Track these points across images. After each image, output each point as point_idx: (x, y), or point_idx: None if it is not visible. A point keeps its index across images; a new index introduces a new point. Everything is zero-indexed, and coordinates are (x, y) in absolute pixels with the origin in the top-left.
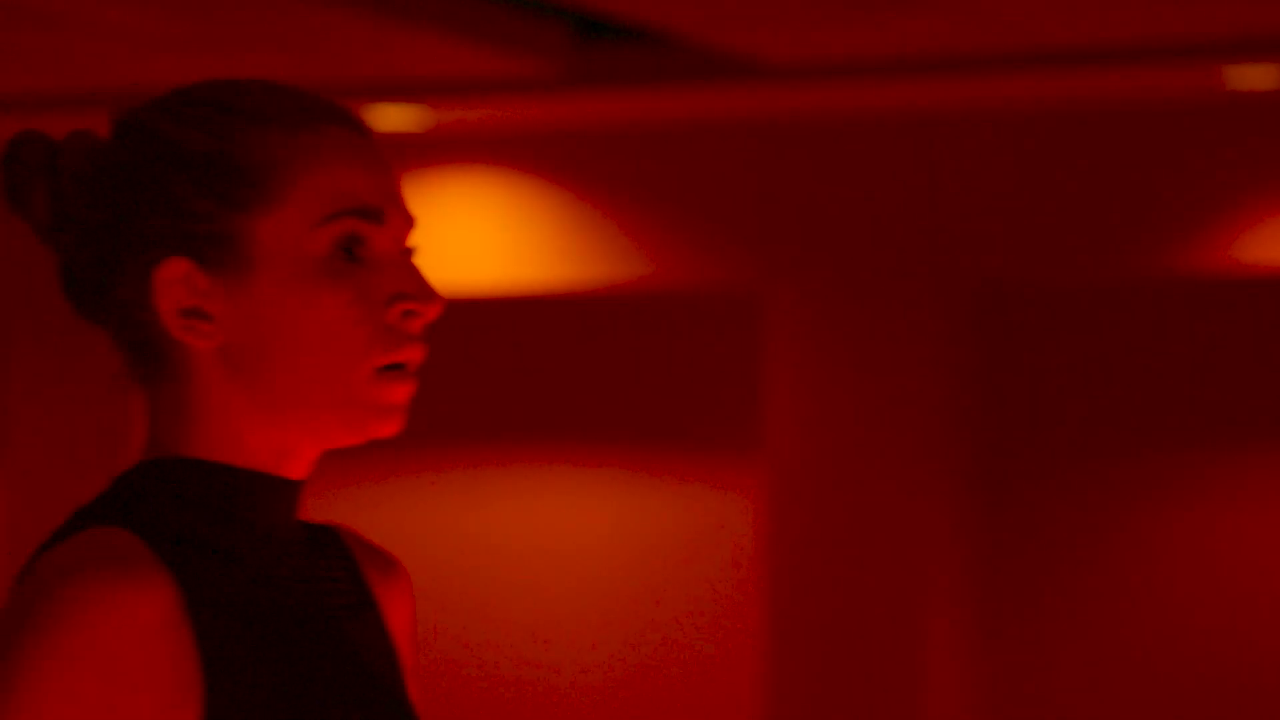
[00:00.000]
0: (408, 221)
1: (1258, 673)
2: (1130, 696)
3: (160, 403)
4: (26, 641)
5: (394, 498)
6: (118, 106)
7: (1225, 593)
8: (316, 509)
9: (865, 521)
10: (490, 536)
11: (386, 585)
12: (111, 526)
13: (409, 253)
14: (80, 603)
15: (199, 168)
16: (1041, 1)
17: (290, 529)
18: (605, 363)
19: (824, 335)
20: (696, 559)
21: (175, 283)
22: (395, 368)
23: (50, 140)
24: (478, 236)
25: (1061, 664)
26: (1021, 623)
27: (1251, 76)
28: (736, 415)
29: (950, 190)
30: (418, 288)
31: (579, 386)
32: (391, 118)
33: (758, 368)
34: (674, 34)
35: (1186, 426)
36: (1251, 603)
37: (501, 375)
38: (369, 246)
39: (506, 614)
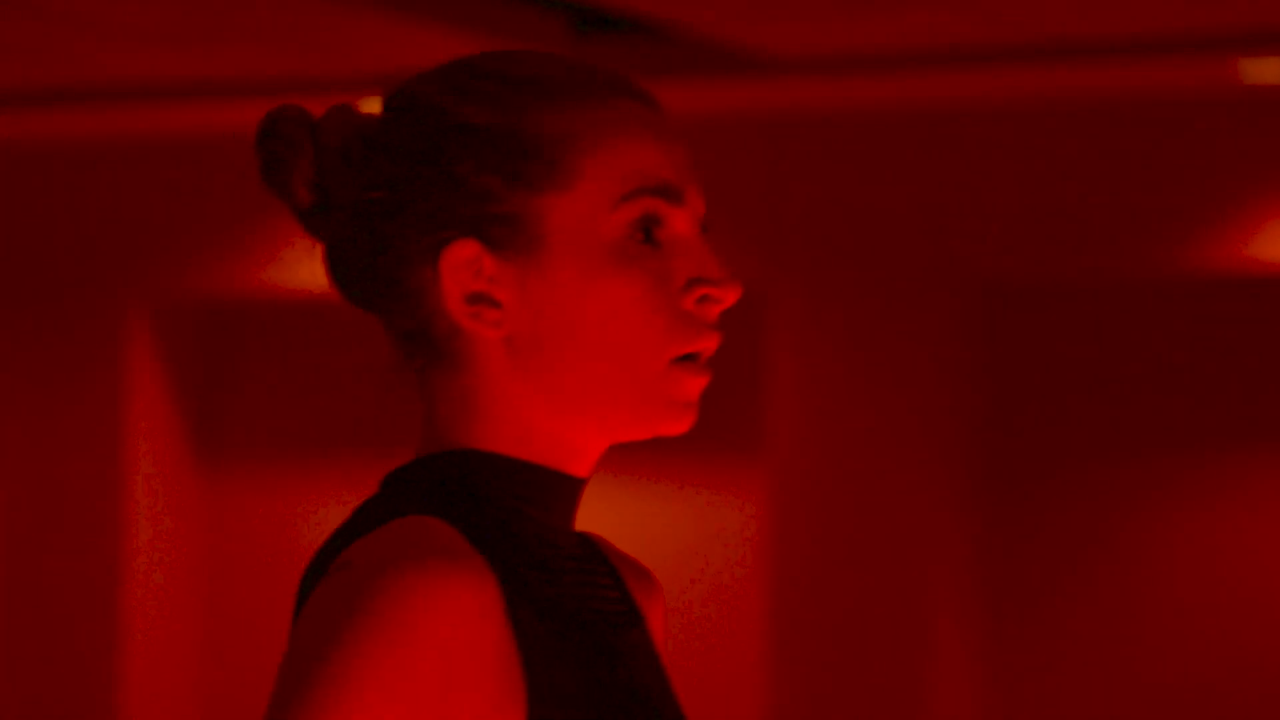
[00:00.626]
0: (703, 200)
1: (1267, 674)
2: (1138, 698)
3: (440, 394)
4: (360, 634)
5: None
6: (105, 102)
7: (1234, 594)
8: (324, 520)
9: (869, 524)
10: None
11: (644, 597)
12: (425, 516)
13: (704, 234)
14: (414, 593)
15: (487, 145)
16: None
17: (569, 531)
18: None
19: (827, 334)
20: (698, 563)
21: (463, 266)
22: (690, 358)
23: (309, 115)
24: None
25: (1069, 667)
26: (1028, 625)
27: (1266, 70)
28: (738, 416)
29: (957, 186)
30: (717, 272)
31: None
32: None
33: (760, 368)
34: (674, 26)
35: (1196, 427)
36: (1260, 604)
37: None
38: (667, 228)
39: None
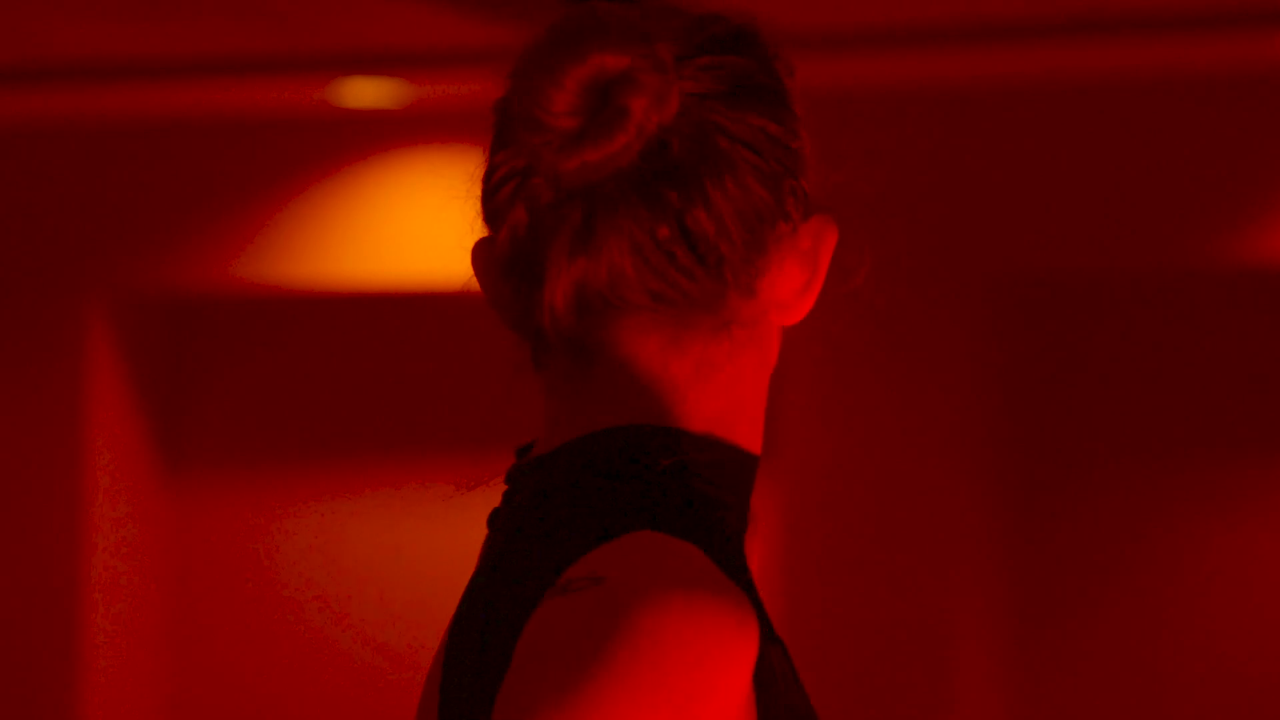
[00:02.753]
0: None
1: None
2: (1170, 710)
3: (634, 364)
4: (642, 668)
5: (386, 509)
6: (61, 81)
7: (1269, 599)
8: (310, 528)
9: (887, 532)
10: None
11: None
12: (672, 537)
13: None
14: (706, 635)
15: (798, 119)
16: None
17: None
18: None
19: (841, 331)
20: None
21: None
22: None
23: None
24: (459, 221)
25: (1095, 676)
26: (1053, 633)
27: None
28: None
29: (978, 172)
30: None
31: None
32: (364, 93)
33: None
34: (675, 1)
35: (1232, 425)
36: None
37: (488, 378)
38: None
39: None
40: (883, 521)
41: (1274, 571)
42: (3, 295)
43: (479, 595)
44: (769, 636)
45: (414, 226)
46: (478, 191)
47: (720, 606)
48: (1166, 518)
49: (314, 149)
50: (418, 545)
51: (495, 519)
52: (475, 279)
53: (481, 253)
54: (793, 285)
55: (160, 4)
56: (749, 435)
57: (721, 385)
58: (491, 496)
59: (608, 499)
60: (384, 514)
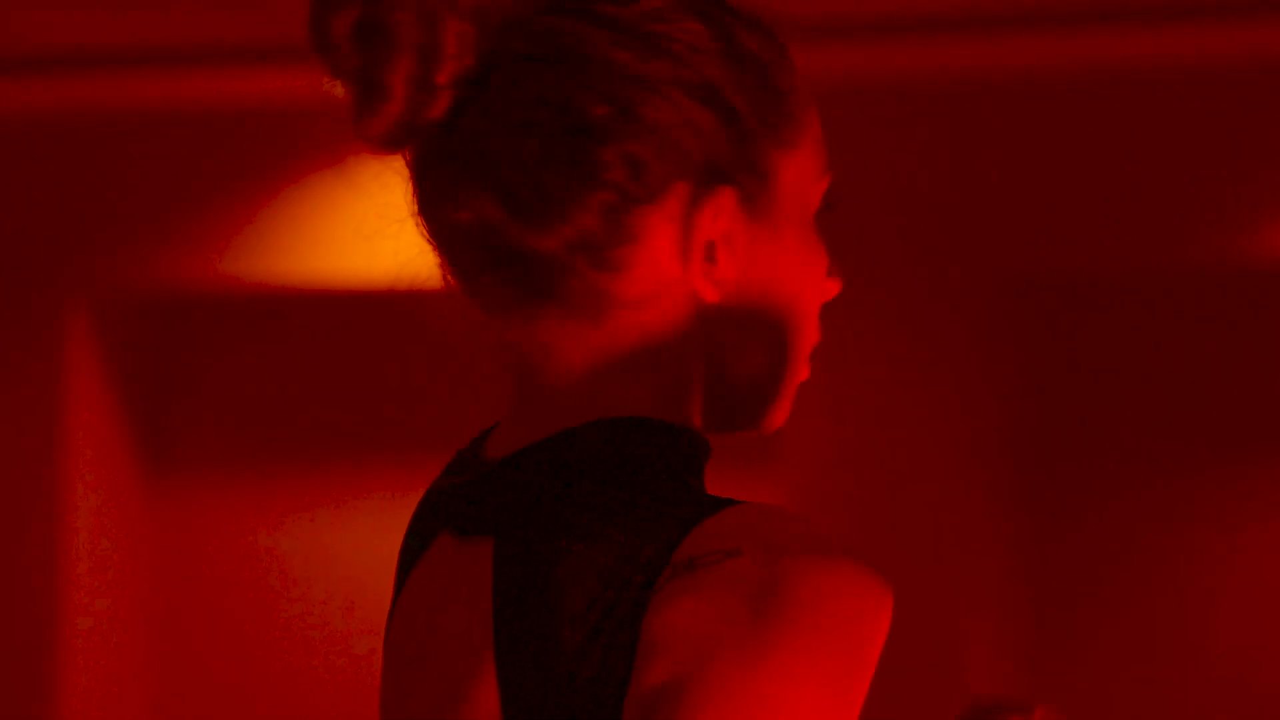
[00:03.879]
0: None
1: None
2: (1182, 707)
3: (597, 353)
4: (816, 632)
5: (380, 516)
6: (37, 72)
7: None
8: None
9: (894, 528)
10: None
11: None
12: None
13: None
14: (863, 589)
15: (757, 82)
16: None
17: None
18: None
19: (847, 330)
20: None
21: (721, 215)
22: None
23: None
24: None
25: (1108, 675)
26: (1067, 636)
27: None
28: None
29: (984, 168)
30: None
31: None
32: None
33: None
34: None
35: (1245, 426)
36: None
37: (486, 380)
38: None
39: None
40: (892, 522)
41: None
42: None
43: (510, 589)
44: None
45: (410, 221)
46: None
47: (857, 562)
48: (1182, 517)
49: (305, 140)
50: None
51: (468, 510)
52: None
53: None
54: (669, 257)
55: None
56: (697, 417)
57: (650, 368)
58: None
59: (661, 487)
60: (377, 520)
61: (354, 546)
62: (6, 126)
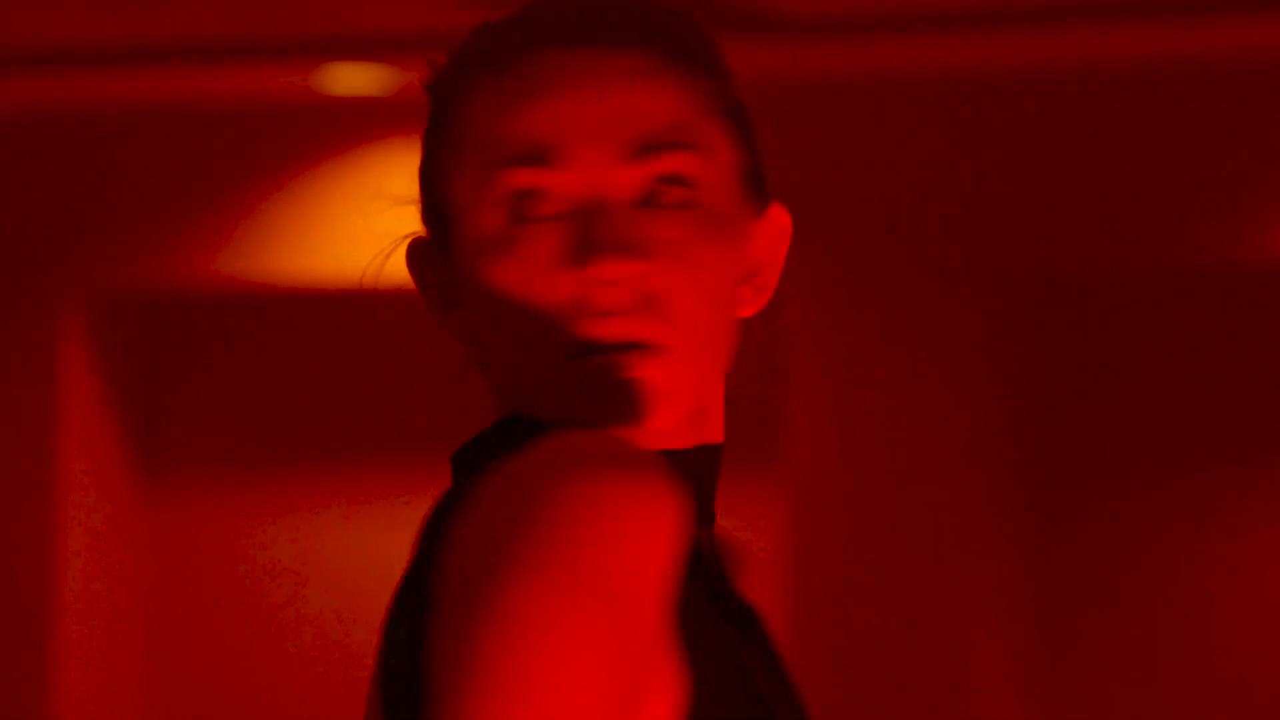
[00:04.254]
0: (606, 150)
1: None
2: (1188, 708)
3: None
4: (558, 544)
5: (374, 517)
6: (33, 68)
7: None
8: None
9: (898, 530)
10: None
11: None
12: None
13: (602, 200)
14: (627, 500)
15: (432, 118)
16: None
17: None
18: None
19: (851, 330)
20: None
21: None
22: (596, 349)
23: None
24: None
25: (1114, 677)
26: (1072, 643)
27: None
28: (752, 427)
29: (989, 163)
30: (598, 243)
31: None
32: (350, 79)
33: (775, 368)
34: None
35: (1251, 425)
36: None
37: (482, 381)
38: (548, 199)
39: None
40: (896, 523)
41: None
42: None
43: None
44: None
45: (404, 220)
46: None
47: (636, 473)
48: (1187, 518)
49: (298, 138)
50: (404, 555)
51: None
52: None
53: None
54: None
55: None
56: (542, 412)
57: (495, 368)
58: None
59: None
60: (372, 521)
61: (348, 547)
62: (0, 124)
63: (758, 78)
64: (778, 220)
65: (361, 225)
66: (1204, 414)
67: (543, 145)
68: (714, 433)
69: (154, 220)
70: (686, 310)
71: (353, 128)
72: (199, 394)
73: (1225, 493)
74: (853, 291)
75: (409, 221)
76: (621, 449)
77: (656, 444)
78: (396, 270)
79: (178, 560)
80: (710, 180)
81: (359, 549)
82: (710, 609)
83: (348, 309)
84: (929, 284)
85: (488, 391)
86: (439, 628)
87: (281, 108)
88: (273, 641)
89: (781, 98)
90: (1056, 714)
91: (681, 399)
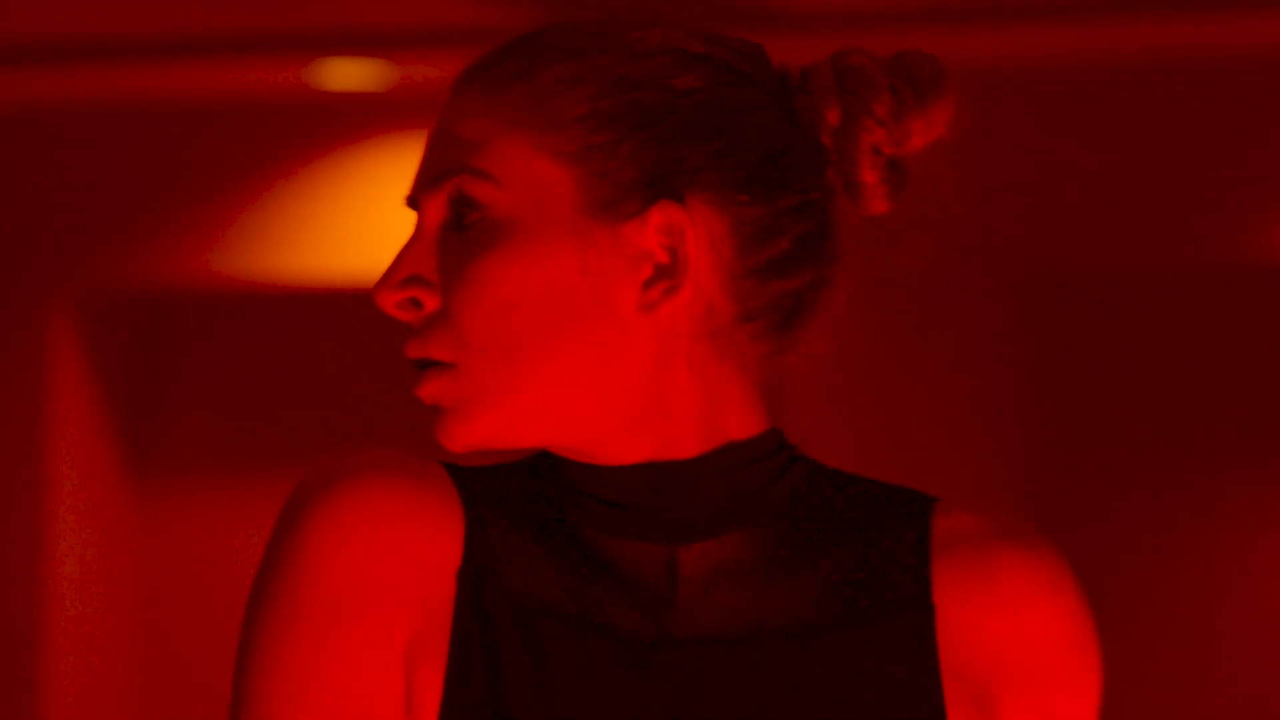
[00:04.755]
0: (415, 191)
1: None
2: (1200, 710)
3: None
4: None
5: None
6: (21, 63)
7: None
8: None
9: None
10: None
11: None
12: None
13: (419, 227)
14: (308, 500)
15: None
16: None
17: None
18: None
19: (852, 330)
20: None
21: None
22: (413, 365)
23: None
24: None
25: (1123, 680)
26: None
27: None
28: None
29: (997, 158)
30: (384, 271)
31: None
32: (346, 75)
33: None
34: None
35: (1265, 425)
36: None
37: None
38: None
39: None
40: None
41: None
42: None
43: None
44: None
45: (399, 218)
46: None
47: (328, 487)
48: (1197, 518)
49: (293, 134)
50: None
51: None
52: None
53: None
54: None
55: None
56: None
57: None
58: None
59: None
60: None
61: None
62: None
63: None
64: (659, 219)
65: (356, 223)
66: (1214, 414)
67: (412, 185)
68: (675, 447)
69: (145, 218)
70: (472, 326)
71: (348, 124)
72: (191, 394)
73: (1235, 493)
74: (855, 291)
75: (404, 219)
76: (356, 461)
77: (600, 457)
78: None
79: (169, 563)
80: (506, 198)
81: None
82: (519, 629)
83: (342, 308)
84: (933, 284)
85: None
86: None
87: (275, 103)
88: None
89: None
90: None
91: (481, 413)
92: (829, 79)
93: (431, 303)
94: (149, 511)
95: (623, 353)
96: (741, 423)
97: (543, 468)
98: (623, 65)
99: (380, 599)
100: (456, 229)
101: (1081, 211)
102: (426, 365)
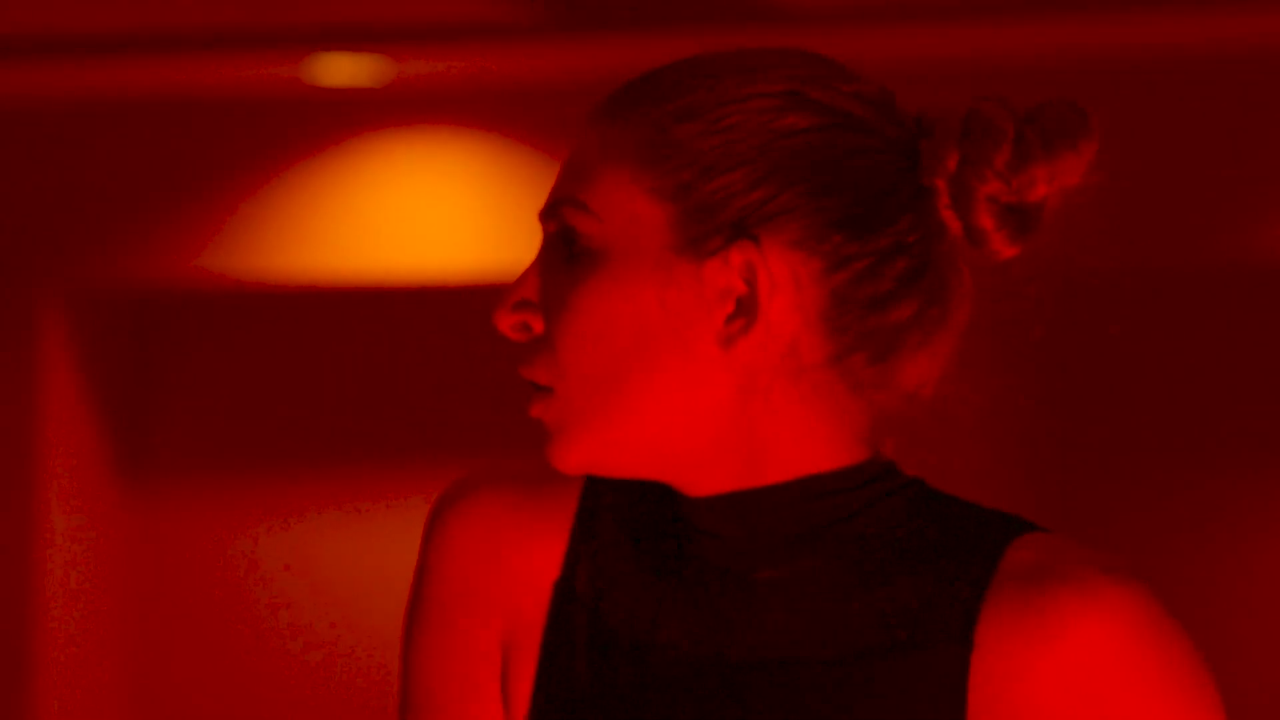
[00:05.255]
0: (560, 209)
1: None
2: None
3: None
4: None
5: (365, 522)
6: (10, 58)
7: None
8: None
9: None
10: None
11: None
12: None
13: (539, 252)
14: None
15: None
16: None
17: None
18: None
19: None
20: None
21: None
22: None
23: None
24: (445, 210)
25: None
26: None
27: None
28: None
29: None
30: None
31: None
32: (343, 70)
33: None
34: None
35: (1275, 428)
36: None
37: (483, 378)
38: None
39: None
40: None
41: None
42: None
43: None
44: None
45: (396, 215)
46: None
47: (451, 494)
48: (1206, 521)
49: (288, 131)
50: (398, 560)
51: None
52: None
53: None
54: None
55: None
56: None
57: None
58: None
59: None
60: (358, 526)
61: (339, 553)
62: None
63: None
64: (739, 259)
65: (352, 221)
66: (1224, 416)
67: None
68: (754, 478)
69: (137, 215)
70: (565, 354)
71: (344, 120)
72: (184, 395)
73: (1245, 496)
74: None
75: (399, 217)
76: (475, 477)
77: (689, 489)
78: (388, 268)
79: (162, 567)
80: (603, 231)
81: (350, 555)
82: (593, 643)
83: (338, 306)
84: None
85: (490, 395)
86: None
87: (270, 99)
88: (260, 651)
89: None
90: None
91: (578, 437)
92: (955, 125)
93: (539, 327)
94: (141, 513)
95: (704, 387)
96: (831, 456)
97: (666, 491)
98: (726, 103)
99: (475, 605)
100: (565, 257)
101: (1085, 209)
102: (538, 388)
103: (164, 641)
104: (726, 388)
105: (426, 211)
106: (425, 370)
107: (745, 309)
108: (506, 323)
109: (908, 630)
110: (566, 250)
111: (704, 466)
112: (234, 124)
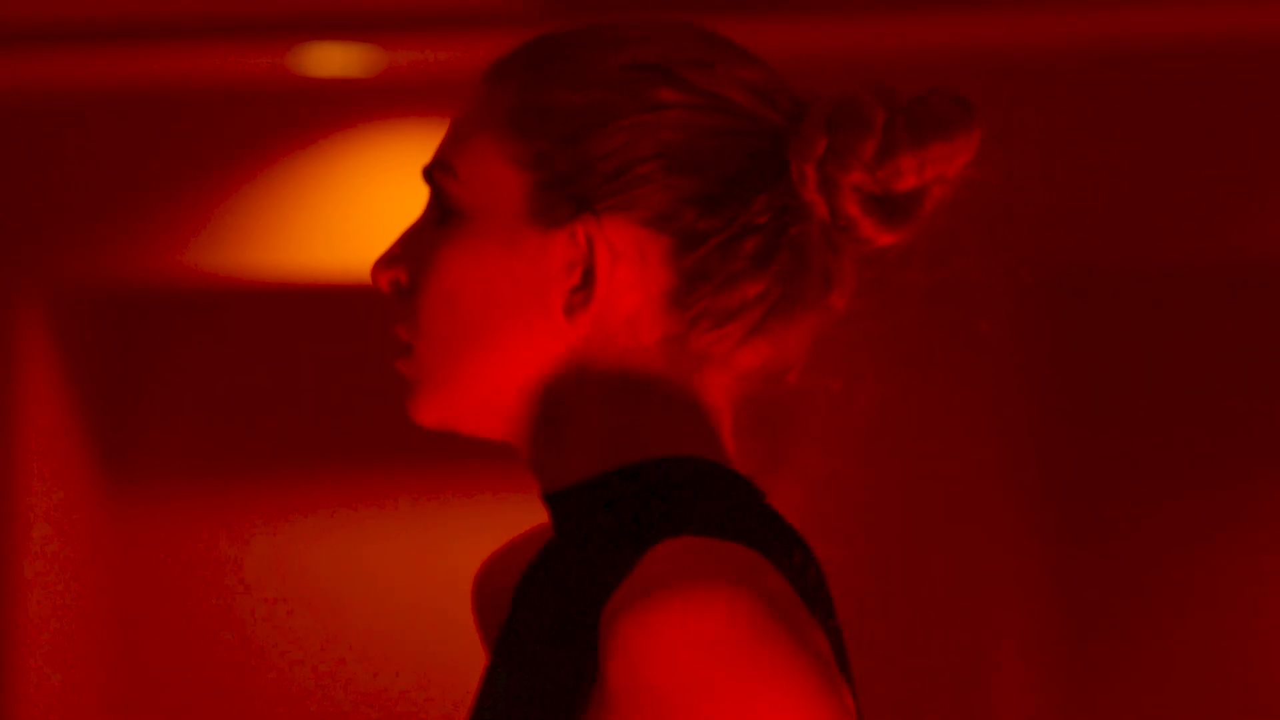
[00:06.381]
0: (434, 172)
1: None
2: None
3: None
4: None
5: (354, 525)
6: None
7: None
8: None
9: (915, 543)
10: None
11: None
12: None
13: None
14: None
15: None
16: None
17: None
18: None
19: (865, 329)
20: None
21: None
22: None
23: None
24: None
25: (1139, 691)
26: (1097, 645)
27: None
28: (759, 423)
29: (1019, 148)
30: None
31: None
32: (332, 59)
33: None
34: None
35: None
36: None
37: None
38: None
39: None
40: (915, 531)
41: None
42: None
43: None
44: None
45: (387, 210)
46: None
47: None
48: (1218, 524)
49: (275, 122)
50: (386, 564)
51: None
52: None
53: None
54: None
55: None
56: None
57: None
58: (470, 510)
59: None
60: (345, 528)
61: (327, 557)
62: None
63: (764, 57)
64: (582, 231)
65: (341, 214)
66: (1237, 417)
67: None
68: (567, 473)
69: (120, 209)
70: (421, 311)
71: (333, 111)
72: (168, 395)
73: (1258, 499)
74: (863, 290)
75: (390, 211)
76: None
77: (537, 469)
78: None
79: (145, 572)
80: (465, 194)
81: (339, 559)
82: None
83: (325, 303)
84: (943, 283)
85: None
86: None
87: (257, 90)
88: (246, 657)
89: (790, 78)
90: (1079, 713)
91: (430, 393)
92: (824, 113)
93: (405, 282)
94: (123, 517)
95: (544, 356)
96: (649, 443)
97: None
98: (591, 76)
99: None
100: (438, 218)
101: (1100, 206)
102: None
103: (146, 645)
104: (563, 358)
105: (418, 206)
106: None
107: (587, 282)
108: (378, 277)
109: (556, 626)
110: (439, 212)
111: (539, 440)
112: (219, 116)
